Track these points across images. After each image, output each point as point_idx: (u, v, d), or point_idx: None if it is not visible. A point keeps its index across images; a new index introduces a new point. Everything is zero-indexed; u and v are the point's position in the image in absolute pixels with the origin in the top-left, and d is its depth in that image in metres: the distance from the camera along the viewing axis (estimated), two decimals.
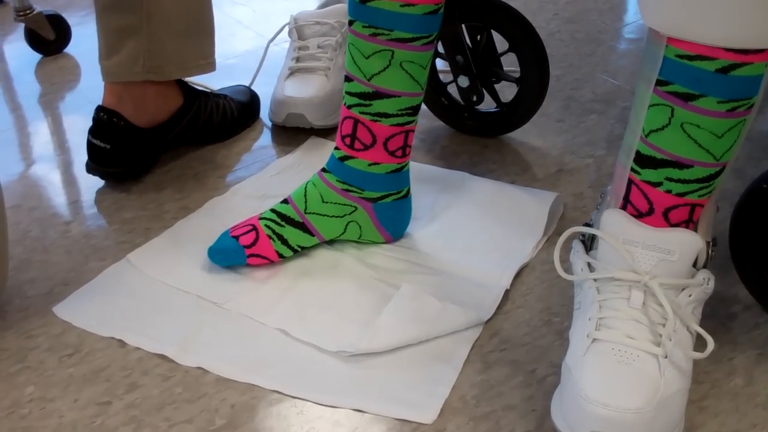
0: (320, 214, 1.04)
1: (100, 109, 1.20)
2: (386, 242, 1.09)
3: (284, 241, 1.04)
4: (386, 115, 1.01)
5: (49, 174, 1.31)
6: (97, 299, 1.03)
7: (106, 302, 1.02)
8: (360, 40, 0.98)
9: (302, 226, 1.04)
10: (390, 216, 1.07)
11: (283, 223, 1.04)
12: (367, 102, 1.01)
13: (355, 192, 1.05)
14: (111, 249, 1.12)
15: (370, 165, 1.03)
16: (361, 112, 1.01)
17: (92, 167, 1.23)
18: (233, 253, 1.04)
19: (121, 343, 0.96)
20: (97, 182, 1.26)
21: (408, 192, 1.08)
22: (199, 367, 0.93)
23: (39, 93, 1.56)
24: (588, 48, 1.64)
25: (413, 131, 1.05)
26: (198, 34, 1.25)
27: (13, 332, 0.99)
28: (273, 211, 1.06)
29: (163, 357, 0.94)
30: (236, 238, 1.04)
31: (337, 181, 1.04)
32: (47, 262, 1.10)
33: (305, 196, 1.05)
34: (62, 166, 1.32)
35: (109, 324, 0.99)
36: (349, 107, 1.02)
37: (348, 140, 1.03)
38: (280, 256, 1.05)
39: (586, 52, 1.62)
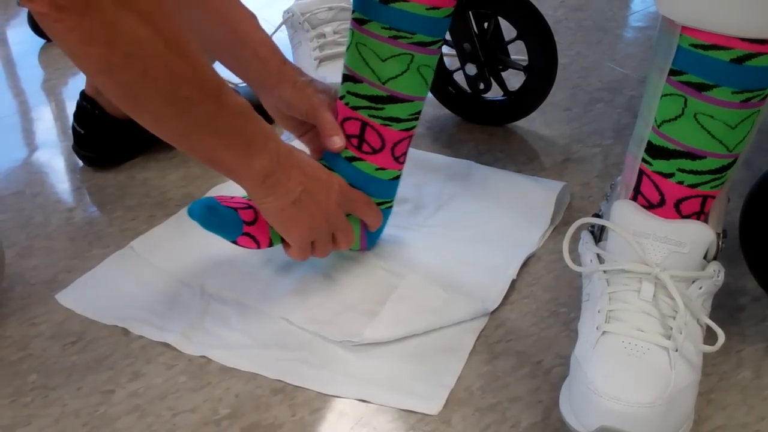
0: None
1: (81, 95, 1.24)
2: (360, 250, 1.05)
3: None
4: (398, 120, 0.98)
5: (52, 160, 1.30)
6: (101, 287, 1.02)
7: (110, 290, 1.02)
8: (376, 42, 0.95)
9: None
10: None
11: None
12: (380, 106, 0.97)
13: None
14: (114, 236, 1.11)
15: (377, 170, 1.00)
16: (370, 116, 0.98)
17: (73, 148, 1.28)
18: (231, 223, 0.93)
19: (125, 331, 0.96)
20: (101, 168, 1.26)
21: (392, 203, 1.05)
22: (203, 355, 0.92)
23: (42, 78, 1.56)
24: (595, 36, 1.63)
25: (413, 136, 1.02)
26: None
27: (16, 319, 0.98)
28: None
29: (166, 345, 0.93)
30: (235, 210, 0.93)
31: None
32: (50, 249, 1.09)
33: None
34: (65, 152, 1.31)
35: (113, 312, 0.98)
36: (355, 109, 0.98)
37: (355, 141, 0.99)
38: (270, 243, 0.98)
39: (594, 40, 1.61)
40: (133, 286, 1.02)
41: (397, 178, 1.03)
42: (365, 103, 0.97)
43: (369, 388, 0.88)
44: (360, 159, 0.99)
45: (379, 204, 1.02)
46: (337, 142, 0.98)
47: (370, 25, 0.94)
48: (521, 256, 1.04)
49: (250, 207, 0.95)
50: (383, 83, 0.96)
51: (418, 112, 1.00)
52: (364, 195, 0.98)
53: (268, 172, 0.85)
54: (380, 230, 1.06)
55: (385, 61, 0.95)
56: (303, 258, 0.95)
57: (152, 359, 0.92)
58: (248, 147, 0.82)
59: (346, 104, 0.99)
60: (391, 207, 1.05)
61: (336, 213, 0.93)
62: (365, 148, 0.99)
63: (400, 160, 1.02)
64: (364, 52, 0.96)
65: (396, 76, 0.96)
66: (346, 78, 0.99)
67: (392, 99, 0.97)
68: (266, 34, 0.99)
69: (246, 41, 0.97)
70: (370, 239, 1.05)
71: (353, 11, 0.96)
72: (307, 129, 1.03)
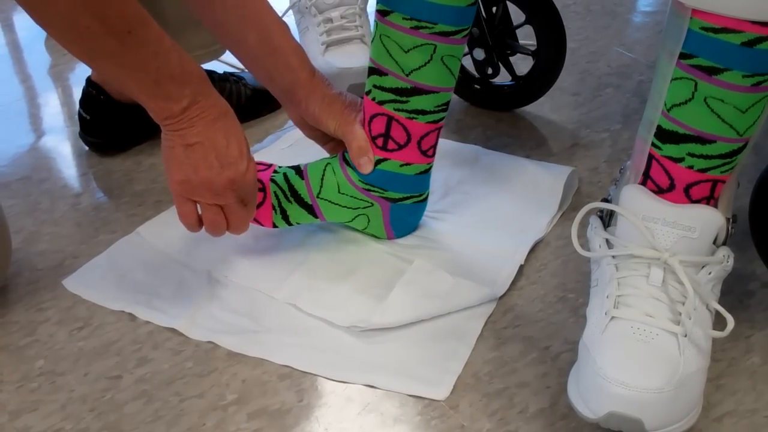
0: (332, 202, 1.01)
1: (87, 81, 1.23)
2: (387, 239, 1.06)
3: (285, 216, 1.01)
4: (423, 112, 0.97)
5: (59, 146, 1.30)
6: (107, 272, 1.02)
7: (117, 275, 1.02)
8: (398, 33, 0.93)
9: (309, 208, 1.01)
10: (402, 218, 1.04)
11: (291, 199, 1.01)
12: (404, 98, 0.96)
13: (377, 192, 1.01)
14: (121, 222, 1.11)
15: (401, 166, 0.99)
16: (396, 109, 0.97)
17: (79, 134, 1.27)
18: None
19: (132, 317, 0.96)
20: (107, 154, 1.25)
21: (427, 195, 1.05)
22: (209, 341, 0.92)
23: (49, 64, 1.55)
24: (604, 21, 1.62)
25: (442, 128, 1.01)
26: (197, 23, 1.21)
27: (23, 305, 0.98)
28: (286, 179, 1.01)
29: (173, 331, 0.93)
30: None
31: (359, 180, 1.00)
32: (57, 235, 1.09)
33: (322, 179, 1.01)
34: (72, 137, 1.31)
35: (120, 297, 0.98)
36: (381, 103, 0.97)
37: (380, 141, 0.98)
38: (275, 226, 1.02)
39: (602, 25, 1.60)
40: (140, 271, 1.02)
41: (426, 171, 1.02)
42: (390, 96, 0.96)
43: (376, 374, 0.88)
44: (383, 159, 0.99)
45: (405, 198, 1.02)
46: (366, 167, 0.98)
47: (392, 16, 0.93)
48: (529, 241, 1.04)
49: (261, 189, 0.98)
50: (407, 75, 0.95)
51: (446, 103, 0.99)
52: (253, 208, 0.95)
53: (171, 115, 0.84)
54: (414, 223, 1.07)
55: (407, 52, 0.94)
56: (183, 217, 0.91)
57: (159, 345, 0.92)
58: (156, 87, 0.81)
59: (373, 99, 0.98)
60: (421, 201, 1.04)
61: (224, 190, 0.88)
62: (390, 145, 0.98)
63: (428, 153, 1.01)
64: (387, 43, 0.95)
65: (419, 67, 0.94)
66: (372, 71, 0.98)
67: (416, 91, 0.96)
68: (298, 43, 0.99)
69: (278, 48, 0.97)
70: (398, 231, 1.05)
71: (377, 2, 0.95)
72: (330, 138, 1.03)
